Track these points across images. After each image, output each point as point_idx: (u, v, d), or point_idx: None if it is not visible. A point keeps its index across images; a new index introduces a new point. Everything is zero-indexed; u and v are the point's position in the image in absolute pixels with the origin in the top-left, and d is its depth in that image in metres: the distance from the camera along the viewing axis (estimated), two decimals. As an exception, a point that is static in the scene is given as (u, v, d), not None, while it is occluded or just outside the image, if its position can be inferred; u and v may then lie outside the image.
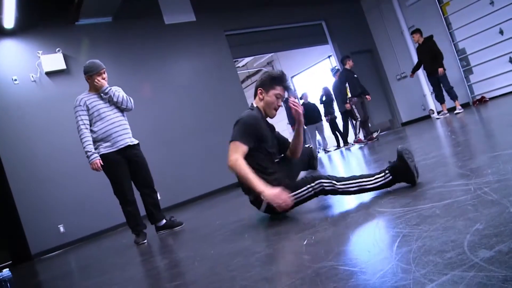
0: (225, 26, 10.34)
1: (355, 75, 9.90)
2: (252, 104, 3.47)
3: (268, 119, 3.51)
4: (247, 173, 2.97)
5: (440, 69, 9.34)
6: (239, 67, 15.92)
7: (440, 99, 9.73)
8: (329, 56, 13.92)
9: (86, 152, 4.51)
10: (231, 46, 10.35)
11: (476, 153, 3.23)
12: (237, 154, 3.03)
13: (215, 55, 9.96)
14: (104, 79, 4.70)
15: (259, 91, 3.39)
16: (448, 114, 9.66)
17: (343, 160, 7.70)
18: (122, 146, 4.67)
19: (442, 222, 1.67)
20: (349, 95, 10.04)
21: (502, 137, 3.86)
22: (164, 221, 4.95)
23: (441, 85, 9.58)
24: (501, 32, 10.10)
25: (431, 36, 9.70)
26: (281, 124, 16.96)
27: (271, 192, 2.85)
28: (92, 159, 4.49)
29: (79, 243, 7.51)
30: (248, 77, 18.09)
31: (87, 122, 4.57)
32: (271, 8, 11.12)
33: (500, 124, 5.13)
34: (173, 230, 4.85)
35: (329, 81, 12.92)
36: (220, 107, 9.49)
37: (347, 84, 9.86)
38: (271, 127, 3.53)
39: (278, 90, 3.34)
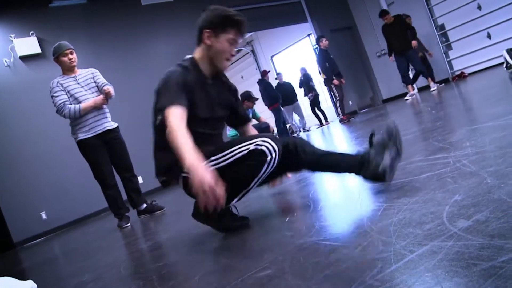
0: (203, 6, 10.13)
1: (331, 56, 9.91)
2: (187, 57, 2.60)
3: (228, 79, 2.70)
4: (181, 137, 1.97)
5: (414, 42, 9.36)
6: (218, 47, 15.81)
7: (406, 80, 9.68)
8: (308, 35, 13.88)
9: (86, 108, 4.48)
10: (210, 26, 10.24)
11: (455, 127, 3.25)
12: (178, 120, 2.07)
13: (194, 35, 9.79)
14: (71, 59, 4.56)
15: (206, 34, 2.46)
16: (415, 95, 9.66)
17: (324, 137, 7.73)
18: (101, 131, 4.62)
19: (422, 194, 1.69)
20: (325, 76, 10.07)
21: (480, 111, 3.89)
22: (145, 205, 4.94)
23: (409, 67, 9.63)
24: (479, 7, 10.13)
25: (400, 15, 9.75)
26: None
27: (199, 168, 1.81)
28: (98, 103, 4.56)
29: (62, 229, 7.45)
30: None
31: (67, 100, 4.46)
32: (250, -14, 11.02)
33: (478, 98, 5.17)
34: (154, 214, 4.85)
35: (309, 61, 12.91)
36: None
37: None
38: (230, 90, 2.67)
39: (232, 34, 2.44)
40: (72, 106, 4.42)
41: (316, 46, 12.14)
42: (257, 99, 8.10)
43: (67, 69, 4.59)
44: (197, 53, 2.55)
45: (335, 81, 9.79)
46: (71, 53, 4.59)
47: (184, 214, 3.95)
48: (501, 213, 1.22)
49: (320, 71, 10.32)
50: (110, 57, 8.61)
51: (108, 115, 4.79)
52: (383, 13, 9.70)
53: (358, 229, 1.59)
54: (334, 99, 10.29)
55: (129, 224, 4.62)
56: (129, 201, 4.89)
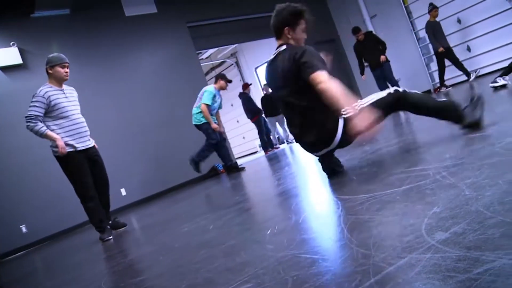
0: (187, 18, 10.21)
1: None
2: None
3: None
4: (341, 88, 2.58)
5: (383, 56, 9.53)
6: (202, 59, 15.78)
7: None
8: (292, 47, 13.96)
9: (48, 136, 4.41)
10: (194, 37, 10.24)
11: (436, 138, 3.28)
12: (331, 78, 2.66)
13: (177, 47, 9.84)
14: (67, 72, 4.61)
15: (286, 31, 3.15)
16: None
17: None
18: (84, 148, 4.66)
19: (402, 207, 1.70)
20: None
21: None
22: (109, 222, 4.94)
23: (385, 79, 9.76)
24: (459, 21, 10.30)
25: (370, 31, 9.91)
26: (231, 122, 17.01)
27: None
28: (59, 144, 4.42)
29: (43, 243, 7.34)
30: (212, 68, 17.96)
31: (42, 116, 4.42)
32: (234, -1, 11.07)
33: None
34: (117, 231, 4.87)
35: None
36: (184, 99, 9.38)
37: None
38: None
39: (303, 24, 3.18)
40: (41, 125, 4.40)
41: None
42: (230, 81, 8.06)
43: (59, 81, 4.60)
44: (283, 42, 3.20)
45: None
46: (68, 67, 4.64)
47: (168, 225, 3.93)
48: (477, 225, 1.23)
49: None
50: (94, 68, 8.56)
51: (89, 132, 4.83)
52: (356, 30, 9.91)
53: (338, 242, 1.59)
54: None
55: (111, 237, 4.57)
56: None
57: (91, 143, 4.79)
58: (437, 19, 9.83)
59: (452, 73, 10.19)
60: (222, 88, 7.86)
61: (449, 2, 10.38)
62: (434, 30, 9.47)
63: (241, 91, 11.84)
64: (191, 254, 2.31)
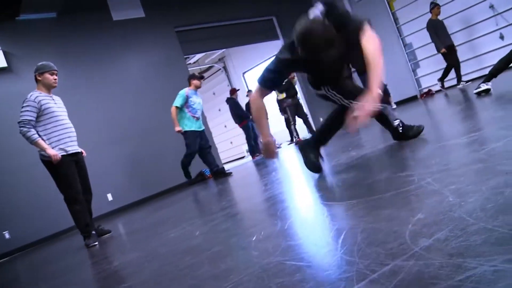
0: (175, 22, 10.21)
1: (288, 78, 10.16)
2: None
3: None
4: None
5: None
6: (190, 63, 15.78)
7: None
8: (280, 52, 14.00)
9: (39, 144, 4.45)
10: (182, 42, 10.24)
11: (421, 144, 3.30)
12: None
13: (165, 51, 9.83)
14: (55, 80, 4.73)
15: None
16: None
17: (297, 153, 7.76)
18: (73, 152, 4.74)
19: (387, 213, 1.70)
20: (284, 95, 10.24)
21: (446, 128, 3.98)
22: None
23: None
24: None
25: None
26: (219, 127, 17.02)
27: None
28: (50, 153, 4.45)
29: (27, 249, 7.26)
30: (200, 73, 17.96)
31: (34, 121, 4.49)
32: (222, 4, 11.06)
33: (444, 116, 5.28)
34: (102, 238, 4.85)
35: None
36: (171, 104, 9.33)
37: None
38: None
39: None
40: (34, 132, 4.46)
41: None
42: (201, 77, 8.02)
43: (48, 87, 4.69)
44: None
45: (289, 101, 9.99)
46: (56, 75, 4.76)
47: (154, 231, 3.91)
48: (460, 231, 1.24)
49: (276, 92, 10.60)
50: (81, 72, 8.52)
51: (76, 137, 4.88)
52: None
53: (323, 248, 1.60)
54: (287, 123, 10.61)
55: (96, 243, 4.54)
56: None
57: (78, 147, 4.84)
58: (425, 24, 9.92)
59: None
60: (197, 87, 7.84)
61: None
62: (436, 28, 9.40)
63: (229, 96, 11.86)
64: (177, 260, 2.30)
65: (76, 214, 4.65)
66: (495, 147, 2.16)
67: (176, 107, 7.59)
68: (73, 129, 4.84)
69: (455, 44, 9.69)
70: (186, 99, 7.62)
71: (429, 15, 9.68)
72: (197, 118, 7.77)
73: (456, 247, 1.14)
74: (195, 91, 7.83)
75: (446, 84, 10.10)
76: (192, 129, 7.68)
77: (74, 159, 4.74)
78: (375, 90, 2.46)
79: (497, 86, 5.39)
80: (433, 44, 10.62)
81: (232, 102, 11.61)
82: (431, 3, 9.50)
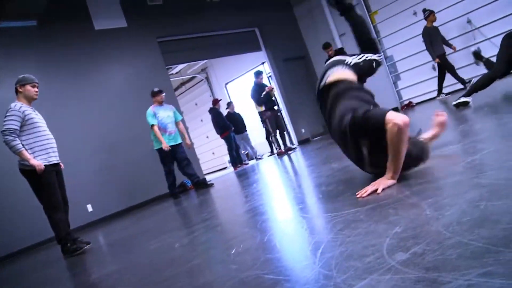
0: (157, 33, 10.17)
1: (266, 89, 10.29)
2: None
3: None
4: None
5: None
6: (172, 74, 15.73)
7: None
8: (262, 63, 14.03)
9: (22, 154, 4.41)
10: (164, 52, 10.20)
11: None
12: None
13: (147, 62, 9.78)
14: (36, 92, 4.72)
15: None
16: None
17: (277, 164, 7.77)
18: (54, 162, 4.70)
19: (365, 226, 1.71)
20: (263, 108, 10.34)
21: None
22: None
23: None
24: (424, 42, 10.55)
25: (342, 48, 9.99)
26: (201, 138, 17.01)
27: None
28: (33, 163, 4.41)
29: (4, 260, 7.10)
30: (183, 84, 17.93)
31: (18, 130, 4.46)
32: (204, 15, 11.07)
33: (423, 128, 5.33)
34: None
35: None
36: (154, 115, 9.34)
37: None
38: None
39: None
40: (18, 142, 4.43)
41: (270, 74, 12.43)
42: (159, 91, 7.94)
43: (29, 99, 4.67)
44: None
45: (268, 113, 10.08)
46: (37, 87, 4.75)
47: (135, 242, 3.87)
48: (436, 245, 1.25)
49: (256, 104, 10.68)
50: (61, 81, 8.41)
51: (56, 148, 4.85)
52: (326, 46, 10.03)
53: (301, 262, 1.59)
54: (267, 134, 10.75)
55: (83, 247, 4.50)
56: None
57: (58, 159, 4.80)
58: (405, 38, 10.05)
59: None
60: (160, 102, 7.77)
61: (415, 23, 10.64)
62: (431, 36, 9.26)
63: (212, 106, 11.87)
64: (156, 273, 2.27)
65: (58, 223, 4.58)
66: (472, 160, 2.19)
67: (154, 125, 7.57)
68: (54, 140, 4.80)
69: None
70: (154, 115, 7.60)
71: (413, 28, 9.80)
72: (170, 133, 7.72)
73: (432, 261, 1.15)
74: (161, 106, 7.79)
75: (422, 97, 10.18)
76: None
77: (55, 169, 4.71)
78: (394, 176, 2.26)
79: (475, 98, 5.47)
80: (413, 57, 10.78)
81: (214, 112, 11.60)
82: (425, 10, 9.38)
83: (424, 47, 9.95)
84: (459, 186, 1.82)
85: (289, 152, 9.80)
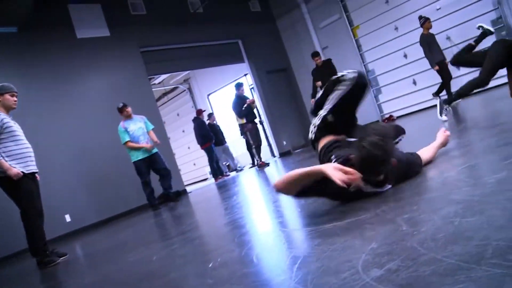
0: (140, 42, 10.15)
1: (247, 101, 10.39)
2: None
3: None
4: None
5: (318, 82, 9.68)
6: (155, 84, 15.70)
7: None
8: (245, 74, 14.08)
9: (3, 164, 4.35)
10: (147, 62, 10.18)
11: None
12: None
13: (129, 71, 9.73)
14: (15, 101, 4.70)
15: None
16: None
17: (258, 176, 7.77)
18: (32, 171, 4.65)
19: (342, 241, 1.72)
20: (244, 121, 10.39)
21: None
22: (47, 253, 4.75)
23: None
24: (405, 55, 10.70)
25: (330, 59, 10.04)
26: (182, 148, 16.99)
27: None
28: (11, 173, 4.36)
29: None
30: (165, 94, 17.90)
31: None
32: (188, 26, 11.08)
33: (403, 142, 5.38)
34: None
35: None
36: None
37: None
38: None
39: None
40: None
41: (253, 85, 12.49)
42: (124, 106, 7.93)
43: (7, 108, 4.64)
44: None
45: (250, 126, 10.16)
46: (16, 96, 4.72)
47: (112, 254, 3.82)
48: (411, 261, 1.26)
49: (238, 117, 10.74)
50: (42, 89, 8.31)
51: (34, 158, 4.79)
52: (315, 54, 10.03)
53: (278, 277, 1.59)
54: (248, 146, 10.88)
55: (58, 260, 4.43)
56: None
57: (36, 168, 4.74)
58: (387, 52, 10.16)
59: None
60: (128, 116, 7.73)
61: (397, 38, 10.80)
62: (429, 43, 8.93)
63: (196, 116, 11.89)
64: (132, 286, 2.25)
65: (36, 231, 4.50)
66: (448, 176, 2.22)
67: (128, 141, 7.57)
68: (31, 149, 4.73)
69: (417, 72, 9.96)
70: (126, 131, 7.59)
71: (395, 43, 9.91)
72: (142, 142, 7.70)
73: (406, 278, 1.16)
74: (130, 119, 7.77)
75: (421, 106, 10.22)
76: (139, 158, 7.63)
77: (32, 179, 4.64)
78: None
79: (456, 114, 5.55)
80: (395, 71, 10.91)
81: (199, 122, 11.60)
82: (421, 17, 9.29)
83: (404, 63, 10.12)
84: (435, 202, 1.84)
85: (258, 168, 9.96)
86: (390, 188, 2.35)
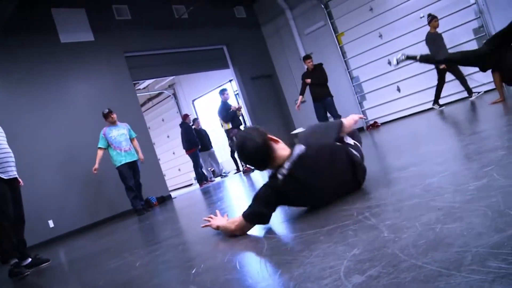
0: (125, 47, 10.11)
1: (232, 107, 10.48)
2: None
3: None
4: None
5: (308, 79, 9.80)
6: (140, 89, 15.64)
7: None
8: (230, 80, 14.11)
9: None
10: (131, 67, 10.13)
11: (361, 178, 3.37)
12: None
13: (113, 76, 9.68)
14: None
15: None
16: None
17: (242, 182, 7.77)
18: (11, 177, 4.56)
19: (324, 247, 1.72)
20: (230, 126, 10.45)
21: (387, 161, 4.09)
22: (29, 259, 4.66)
23: (327, 113, 9.91)
24: (389, 63, 10.79)
25: (321, 64, 10.06)
26: (167, 154, 16.96)
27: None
28: None
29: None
30: (150, 99, 17.83)
31: None
32: (173, 31, 11.07)
33: (387, 148, 5.44)
34: (40, 268, 4.60)
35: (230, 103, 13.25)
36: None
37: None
38: None
39: None
40: None
41: (238, 91, 12.53)
42: (110, 112, 7.88)
43: None
44: None
45: (235, 131, 10.23)
46: None
47: (94, 260, 3.79)
48: (392, 268, 1.26)
49: (222, 122, 10.83)
50: (24, 94, 8.23)
51: (14, 163, 4.70)
52: (307, 57, 10.02)
53: (260, 283, 1.59)
54: (232, 152, 10.98)
55: (28, 272, 4.35)
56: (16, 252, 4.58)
57: (15, 174, 4.65)
58: (371, 59, 10.23)
59: (450, 90, 9.83)
60: (112, 122, 7.80)
61: (381, 45, 10.89)
62: (436, 42, 8.78)
63: (182, 120, 11.92)
64: (114, 293, 2.24)
65: (6, 236, 4.36)
66: (430, 183, 2.23)
67: (100, 148, 7.58)
68: (12, 154, 4.64)
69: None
70: (106, 137, 7.58)
71: (379, 50, 10.00)
72: (125, 150, 7.69)
73: (387, 285, 1.16)
74: (114, 125, 7.79)
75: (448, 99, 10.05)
76: (123, 163, 7.62)
77: (9, 185, 4.52)
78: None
79: (440, 120, 5.61)
80: (379, 78, 11.00)
81: (185, 127, 11.62)
82: (428, 15, 9.17)
83: (388, 70, 10.20)
84: (416, 208, 1.86)
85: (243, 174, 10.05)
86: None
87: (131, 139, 7.87)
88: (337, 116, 9.82)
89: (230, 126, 10.47)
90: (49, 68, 8.73)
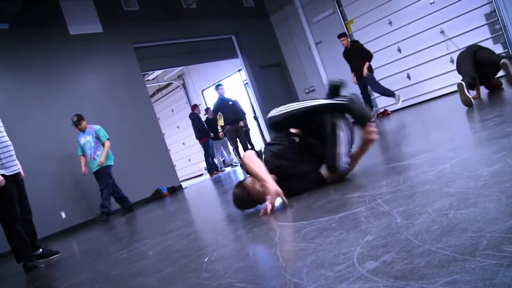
0: (133, 39, 10.10)
1: (229, 102, 10.44)
2: None
3: None
4: None
5: (365, 70, 9.67)
6: (149, 80, 15.64)
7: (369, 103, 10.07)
8: (239, 70, 14.05)
9: None
10: (140, 58, 10.13)
11: (374, 165, 3.37)
12: None
13: (123, 67, 9.69)
14: None
15: None
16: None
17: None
18: (15, 172, 4.50)
19: (337, 234, 1.72)
20: (223, 123, 10.55)
21: (398, 148, 4.06)
22: (40, 250, 4.69)
23: (368, 91, 9.90)
24: (399, 50, 10.70)
25: (356, 41, 10.01)
26: (177, 144, 17.01)
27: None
28: None
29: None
30: (159, 90, 17.82)
31: None
32: (181, 21, 11.04)
33: (398, 136, 5.41)
34: (50, 260, 4.64)
35: (239, 94, 13.20)
36: (128, 120, 9.21)
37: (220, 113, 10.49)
38: None
39: None
40: None
41: (247, 81, 12.52)
42: (78, 119, 7.65)
43: None
44: None
45: (228, 127, 10.33)
46: None
47: (106, 251, 3.82)
48: (406, 254, 1.26)
49: (218, 117, 10.99)
50: (34, 86, 8.25)
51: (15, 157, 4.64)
52: (342, 35, 10.05)
53: (273, 270, 1.60)
54: (230, 148, 11.12)
55: (42, 265, 4.37)
56: None
57: (18, 168, 4.60)
58: (381, 46, 10.11)
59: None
60: (81, 129, 7.62)
61: (391, 32, 10.80)
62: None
63: (191, 111, 11.97)
64: (127, 282, 2.25)
65: (17, 235, 4.36)
66: (442, 169, 2.22)
67: (81, 156, 7.65)
68: (12, 147, 4.55)
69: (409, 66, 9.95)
70: (79, 144, 7.63)
71: (389, 37, 9.88)
72: (90, 159, 7.59)
73: (401, 270, 1.16)
74: (83, 132, 7.65)
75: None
76: (93, 172, 7.63)
77: (15, 180, 4.49)
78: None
79: (450, 107, 5.56)
80: (389, 65, 10.90)
81: (194, 117, 11.67)
82: None
83: (398, 57, 10.11)
84: (429, 194, 1.85)
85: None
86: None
87: (103, 143, 7.68)
88: (382, 91, 9.86)
89: (222, 123, 10.65)
90: (58, 60, 8.75)
